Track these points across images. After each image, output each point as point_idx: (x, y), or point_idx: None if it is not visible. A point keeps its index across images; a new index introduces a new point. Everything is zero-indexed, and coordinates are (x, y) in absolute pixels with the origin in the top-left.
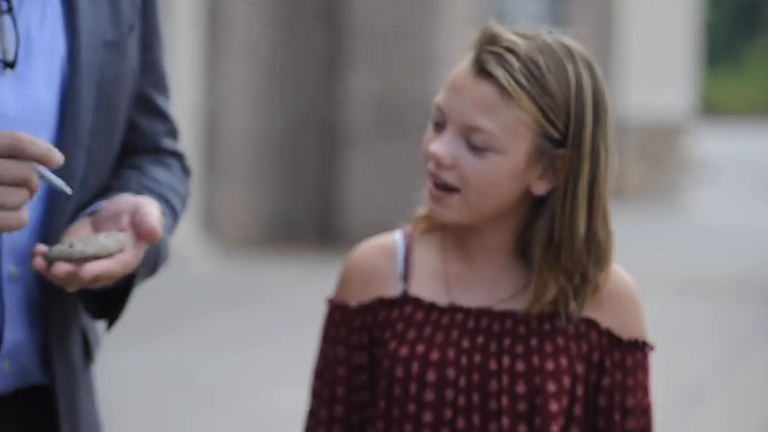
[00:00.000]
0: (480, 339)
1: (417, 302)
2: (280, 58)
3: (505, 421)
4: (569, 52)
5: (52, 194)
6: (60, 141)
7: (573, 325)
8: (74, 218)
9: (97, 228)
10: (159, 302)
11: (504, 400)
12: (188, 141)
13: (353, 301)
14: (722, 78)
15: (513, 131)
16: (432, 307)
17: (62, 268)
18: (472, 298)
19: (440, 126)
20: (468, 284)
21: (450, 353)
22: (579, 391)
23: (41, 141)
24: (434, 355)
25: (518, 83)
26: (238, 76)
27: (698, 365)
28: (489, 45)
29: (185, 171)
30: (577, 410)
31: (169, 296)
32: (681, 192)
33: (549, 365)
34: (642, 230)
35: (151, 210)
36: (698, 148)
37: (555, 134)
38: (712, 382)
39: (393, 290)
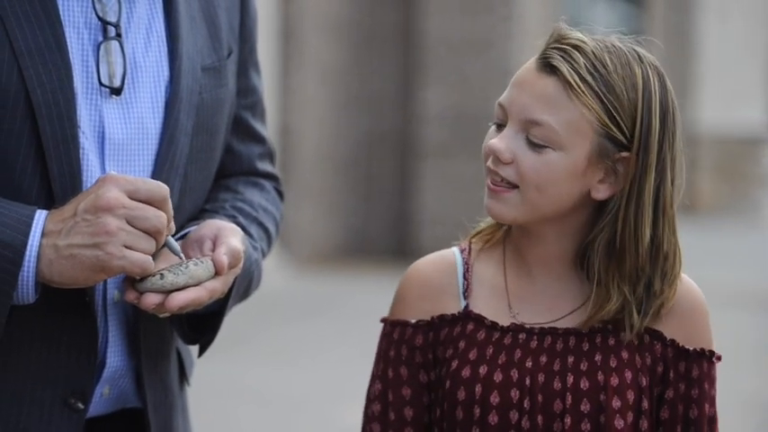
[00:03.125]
0: (543, 359)
1: (479, 320)
2: (353, 74)
3: None
4: (639, 57)
5: None
6: (158, 166)
7: (637, 336)
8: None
9: (184, 252)
10: (233, 317)
11: (568, 421)
12: None
13: (412, 319)
14: None
15: (574, 128)
16: (494, 326)
17: (152, 300)
18: (534, 315)
19: (501, 126)
20: (530, 300)
21: (514, 374)
22: (645, 404)
23: (169, 208)
24: (497, 377)
25: (582, 79)
26: (311, 92)
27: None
28: (557, 42)
29: (280, 194)
30: (644, 425)
31: (243, 311)
32: (756, 206)
33: (614, 381)
34: (716, 245)
35: (230, 239)
36: None
37: (619, 136)
38: None
39: (454, 306)
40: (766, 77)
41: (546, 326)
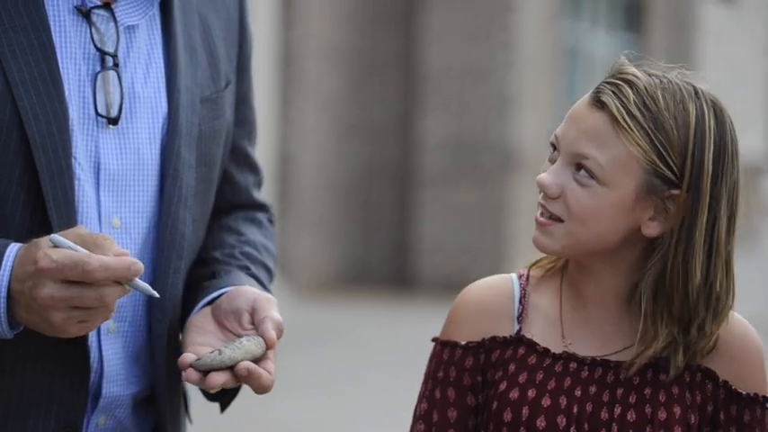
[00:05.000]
0: (593, 389)
1: (531, 345)
2: (353, 102)
3: None
4: (695, 93)
5: (162, 251)
6: (164, 200)
7: (689, 373)
8: (184, 277)
9: (220, 322)
10: None
11: None
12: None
13: (463, 340)
14: None
15: (620, 165)
16: (546, 352)
17: (219, 379)
18: (586, 347)
19: (553, 160)
20: (583, 332)
21: (562, 400)
22: None
23: (115, 261)
24: (545, 402)
25: (630, 114)
26: (311, 119)
27: None
28: (612, 77)
29: (272, 223)
30: None
31: None
32: (756, 234)
33: (662, 415)
34: None
35: (271, 312)
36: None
37: (668, 173)
38: None
39: (507, 329)
40: (766, 106)
41: (598, 358)
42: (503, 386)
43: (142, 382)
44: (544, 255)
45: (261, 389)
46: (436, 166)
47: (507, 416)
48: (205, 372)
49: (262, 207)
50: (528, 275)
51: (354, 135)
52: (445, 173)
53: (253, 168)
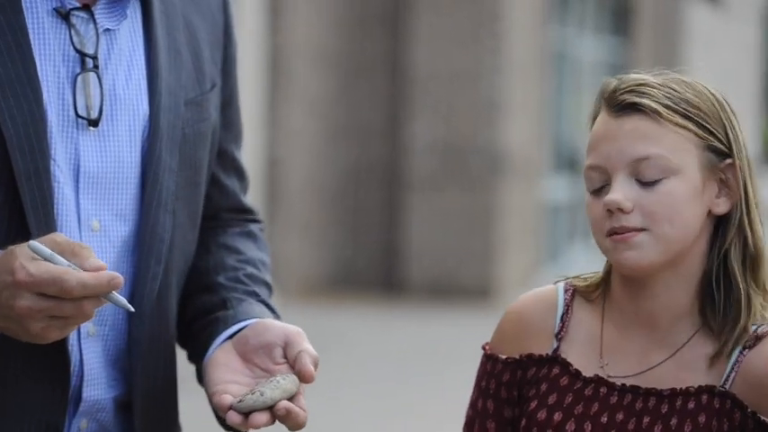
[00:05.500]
0: (620, 416)
1: (565, 365)
2: (341, 105)
3: None
4: (710, 91)
5: (141, 255)
6: (144, 204)
7: (719, 400)
8: (164, 281)
9: (246, 358)
10: None
11: None
12: (250, 188)
13: (505, 353)
14: None
15: (679, 149)
16: (577, 374)
17: (261, 419)
18: (623, 367)
19: (599, 191)
20: (622, 352)
21: (587, 426)
22: None
23: (93, 279)
24: (570, 426)
25: (665, 105)
26: (299, 123)
27: None
28: (615, 91)
29: (263, 231)
30: None
31: None
32: None
33: None
34: None
35: (305, 344)
36: (761, 192)
37: (718, 144)
38: None
39: (545, 347)
40: (754, 108)
41: (629, 382)
42: (533, 405)
43: (123, 386)
44: (591, 276)
45: (297, 426)
46: (424, 170)
47: None
48: (245, 413)
49: (250, 212)
50: (574, 289)
51: (342, 138)
52: (433, 176)
53: (239, 173)
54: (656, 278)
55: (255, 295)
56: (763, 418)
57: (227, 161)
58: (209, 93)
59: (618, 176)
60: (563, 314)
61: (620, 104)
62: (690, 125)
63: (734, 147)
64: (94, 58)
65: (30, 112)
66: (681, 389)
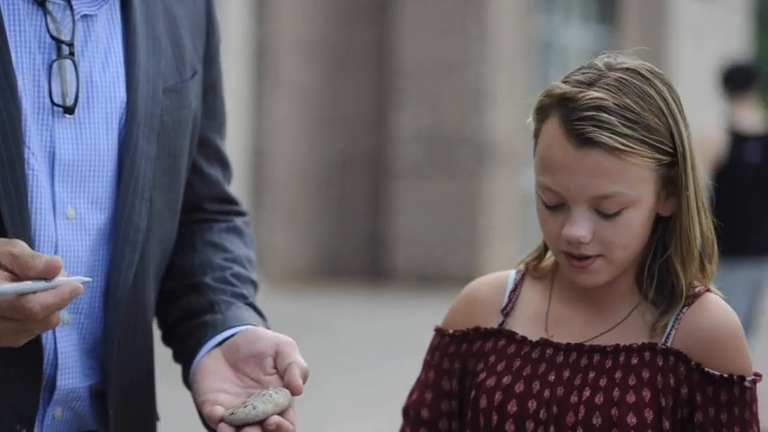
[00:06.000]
0: (567, 373)
1: (511, 335)
2: (327, 95)
3: None
4: (644, 77)
5: (116, 243)
6: (120, 192)
7: (662, 356)
8: (140, 269)
9: (236, 367)
10: None
11: None
12: (236, 177)
13: (453, 329)
14: None
15: (638, 181)
16: (524, 341)
17: None
18: (567, 336)
19: (554, 208)
20: (566, 324)
21: (536, 385)
22: (666, 425)
23: (56, 298)
24: (519, 387)
25: (624, 136)
26: (286, 112)
27: None
28: (573, 111)
29: (247, 224)
30: None
31: None
32: None
33: (630, 398)
34: None
35: (295, 356)
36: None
37: (670, 160)
38: None
39: (492, 322)
40: None
41: (575, 343)
42: (482, 376)
43: (98, 375)
44: (539, 252)
45: None
46: (410, 159)
47: (483, 402)
48: (237, 426)
49: (234, 203)
50: (526, 271)
51: (328, 128)
52: (419, 165)
53: (223, 162)
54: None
55: (243, 297)
56: (707, 369)
57: (209, 150)
58: (190, 80)
59: (577, 208)
60: (511, 292)
61: (580, 136)
62: (647, 152)
63: (678, 152)
64: (71, 45)
65: (4, 99)
66: (624, 345)
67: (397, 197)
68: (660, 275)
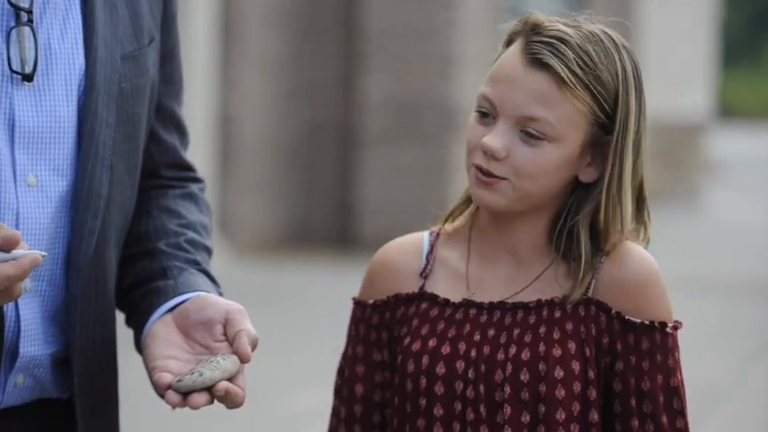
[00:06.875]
0: (491, 332)
1: (433, 299)
2: (294, 63)
3: (508, 410)
4: (613, 41)
5: (77, 210)
6: (81, 159)
7: (583, 307)
8: (101, 236)
9: (186, 333)
10: None
11: (508, 389)
12: (204, 146)
13: (372, 299)
14: (739, 79)
15: (569, 121)
16: (446, 303)
17: (201, 401)
18: (490, 294)
19: (486, 117)
20: (488, 282)
21: (462, 346)
22: (591, 374)
23: (12, 267)
24: (445, 349)
25: (574, 73)
26: (253, 80)
27: (717, 365)
28: (537, 35)
29: (203, 190)
30: (593, 394)
31: None
32: (698, 193)
33: (556, 352)
34: (657, 232)
35: (245, 323)
36: (715, 149)
37: (608, 123)
38: (731, 381)
39: (413, 287)
40: (708, 64)
41: (496, 301)
42: (407, 341)
43: (60, 342)
44: (454, 209)
45: (234, 406)
46: (378, 127)
47: (410, 367)
48: (184, 393)
49: (190, 169)
50: (439, 232)
51: (296, 96)
52: (387, 133)
53: (180, 129)
54: (515, 216)
55: (196, 264)
56: (627, 317)
57: (166, 116)
58: (147, 47)
59: (504, 122)
60: (428, 254)
61: (533, 56)
62: (589, 101)
63: (617, 125)
64: (29, 11)
65: None
66: (546, 299)
67: (365, 164)
68: (572, 238)
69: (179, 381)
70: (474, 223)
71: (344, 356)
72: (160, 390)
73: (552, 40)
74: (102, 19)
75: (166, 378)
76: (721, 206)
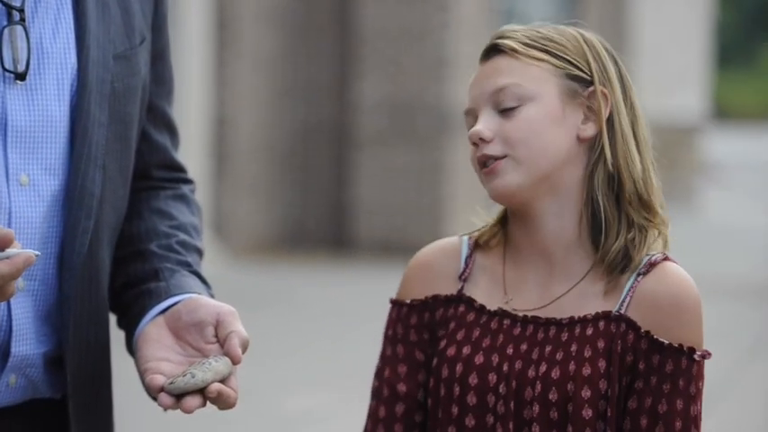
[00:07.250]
0: (524, 347)
1: (470, 302)
2: (289, 64)
3: (536, 429)
4: (578, 31)
5: (70, 210)
6: (74, 159)
7: (614, 324)
8: (94, 236)
9: (178, 335)
10: None
11: (536, 408)
12: (198, 147)
13: (410, 299)
14: (735, 80)
15: (534, 78)
16: (482, 309)
17: (194, 403)
18: (526, 301)
19: (472, 125)
20: (524, 287)
21: (495, 358)
22: (610, 392)
23: (6, 266)
24: (479, 359)
25: (524, 44)
26: (248, 82)
27: (714, 365)
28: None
29: (193, 191)
30: (609, 411)
31: None
32: (693, 194)
33: (585, 371)
34: None
35: (236, 325)
36: (710, 150)
37: (578, 73)
38: (727, 382)
39: (450, 288)
40: (703, 65)
41: (530, 313)
42: (443, 343)
43: (53, 341)
44: (486, 227)
45: (227, 407)
46: (373, 128)
47: (444, 372)
48: (177, 395)
49: (181, 170)
50: (476, 240)
51: (291, 97)
52: (382, 134)
53: (171, 128)
54: (538, 207)
55: (188, 265)
56: (656, 336)
57: (157, 116)
58: (139, 47)
59: (482, 111)
60: (467, 257)
61: (486, 51)
62: (546, 57)
63: (596, 76)
64: (21, 10)
65: None
66: (579, 317)
67: (359, 166)
68: (603, 218)
69: (171, 383)
70: (505, 234)
71: (383, 357)
72: (152, 392)
73: (499, 34)
74: (95, 18)
75: (159, 380)
76: (716, 207)
